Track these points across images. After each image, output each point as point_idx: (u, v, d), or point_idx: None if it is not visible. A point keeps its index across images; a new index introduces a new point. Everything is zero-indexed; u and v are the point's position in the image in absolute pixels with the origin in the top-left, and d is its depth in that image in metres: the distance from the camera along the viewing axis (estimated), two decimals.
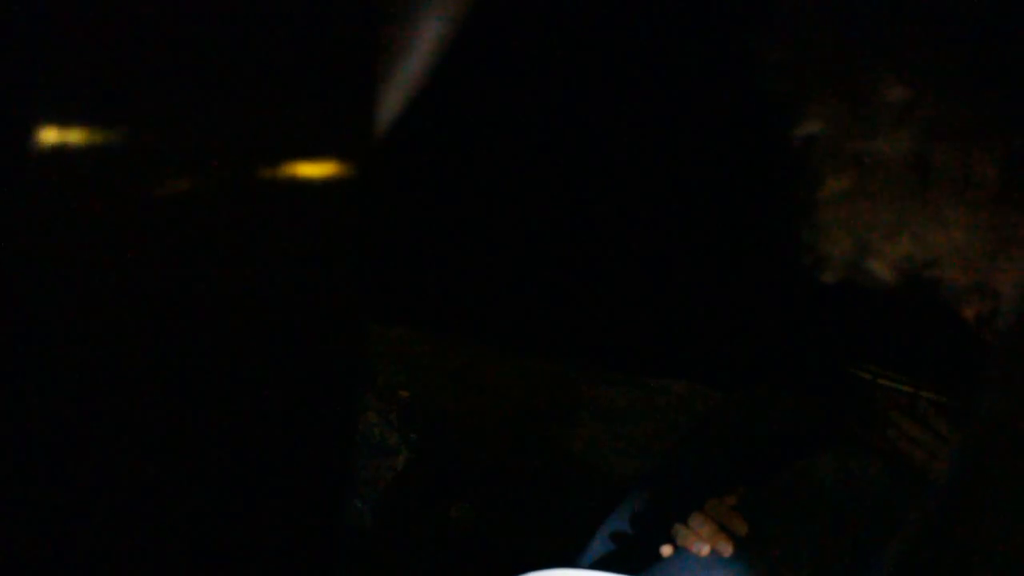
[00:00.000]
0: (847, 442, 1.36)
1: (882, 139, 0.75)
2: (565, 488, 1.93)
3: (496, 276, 2.07)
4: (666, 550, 1.27)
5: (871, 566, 0.68)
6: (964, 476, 0.62)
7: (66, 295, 0.56)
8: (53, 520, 0.58)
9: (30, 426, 0.57)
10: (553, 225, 2.07)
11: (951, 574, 0.62)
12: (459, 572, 1.82)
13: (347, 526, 0.64)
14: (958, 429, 1.19)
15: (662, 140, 1.96)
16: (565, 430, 2.02)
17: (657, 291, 2.03)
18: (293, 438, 0.60)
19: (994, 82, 0.75)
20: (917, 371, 1.36)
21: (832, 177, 0.77)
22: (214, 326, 0.58)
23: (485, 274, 2.06)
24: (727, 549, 1.24)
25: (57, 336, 0.56)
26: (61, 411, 0.57)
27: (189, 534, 0.59)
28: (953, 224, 0.76)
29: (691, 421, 1.93)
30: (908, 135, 0.75)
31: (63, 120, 0.56)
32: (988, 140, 0.75)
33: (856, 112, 0.76)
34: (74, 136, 0.56)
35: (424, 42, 0.65)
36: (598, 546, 1.34)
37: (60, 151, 0.56)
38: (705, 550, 1.24)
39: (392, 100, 0.65)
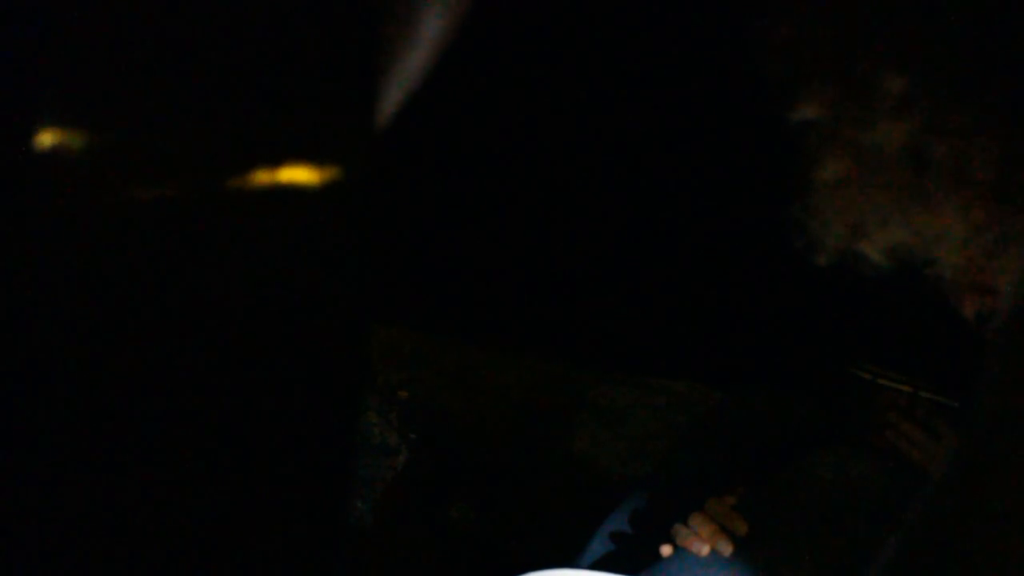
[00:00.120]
0: (847, 442, 1.36)
1: (879, 129, 0.75)
2: (565, 488, 1.93)
3: (496, 276, 2.07)
4: (666, 550, 1.27)
5: (870, 566, 0.68)
6: (961, 475, 0.62)
7: (66, 295, 0.56)
8: (53, 520, 0.58)
9: (30, 426, 0.57)
10: (553, 224, 2.07)
11: (950, 574, 0.62)
12: (459, 572, 1.82)
13: (347, 526, 0.64)
14: (956, 429, 1.19)
15: (662, 140, 1.96)
16: (565, 430, 2.02)
17: (657, 291, 2.03)
18: (293, 438, 0.60)
19: (994, 82, 0.75)
20: (917, 371, 1.36)
21: (827, 161, 0.77)
22: (213, 327, 0.58)
23: (485, 274, 2.07)
24: (727, 549, 1.24)
25: (59, 336, 0.56)
26: (70, 409, 0.57)
27: (188, 534, 0.59)
28: (949, 216, 0.76)
29: (691, 421, 1.94)
30: (906, 128, 0.75)
31: (61, 121, 0.56)
32: (986, 139, 0.75)
33: (854, 100, 0.76)
34: (70, 138, 0.56)
35: (424, 41, 0.65)
36: (598, 546, 1.34)
37: (57, 152, 0.56)
38: (705, 550, 1.24)
39: (393, 98, 0.65)
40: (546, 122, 1.98)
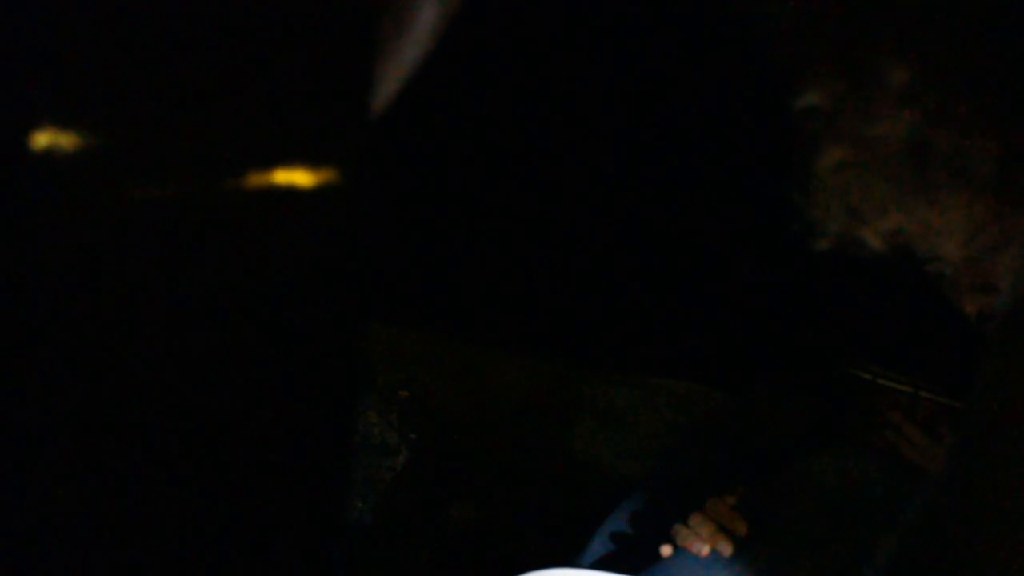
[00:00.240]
0: (847, 442, 1.36)
1: (881, 120, 0.75)
2: (565, 488, 1.93)
3: (496, 275, 2.07)
4: (666, 550, 1.27)
5: (870, 565, 0.68)
6: (961, 475, 0.62)
7: (65, 296, 0.56)
8: (53, 520, 0.58)
9: (30, 426, 0.57)
10: (552, 224, 2.07)
11: (949, 573, 0.62)
12: (459, 572, 1.82)
13: (347, 526, 0.64)
14: (956, 428, 1.19)
15: (663, 140, 1.95)
16: (565, 430, 2.02)
17: (657, 290, 2.03)
18: (293, 438, 0.60)
19: (995, 77, 0.75)
20: (918, 371, 1.36)
21: (829, 148, 0.77)
22: (213, 327, 0.58)
23: (485, 273, 2.06)
24: (727, 549, 1.24)
25: (59, 336, 0.56)
26: (70, 408, 0.57)
27: (188, 534, 0.59)
28: (949, 207, 0.76)
29: (691, 421, 1.94)
30: (908, 119, 0.75)
31: (59, 122, 0.56)
32: (986, 134, 0.75)
33: (856, 90, 0.76)
34: (68, 139, 0.56)
35: (418, 38, 0.65)
36: (598, 546, 1.34)
37: (55, 153, 0.56)
38: (705, 550, 1.24)
39: (388, 96, 0.65)
40: (547, 118, 1.98)
